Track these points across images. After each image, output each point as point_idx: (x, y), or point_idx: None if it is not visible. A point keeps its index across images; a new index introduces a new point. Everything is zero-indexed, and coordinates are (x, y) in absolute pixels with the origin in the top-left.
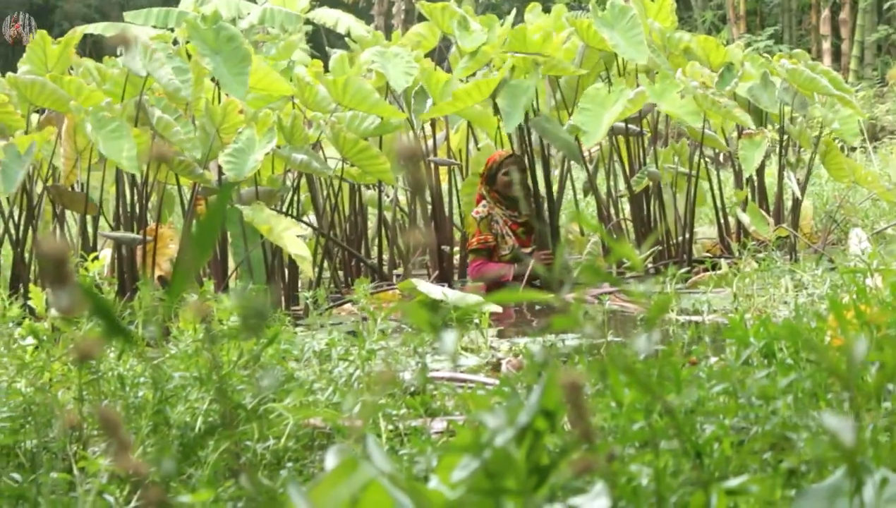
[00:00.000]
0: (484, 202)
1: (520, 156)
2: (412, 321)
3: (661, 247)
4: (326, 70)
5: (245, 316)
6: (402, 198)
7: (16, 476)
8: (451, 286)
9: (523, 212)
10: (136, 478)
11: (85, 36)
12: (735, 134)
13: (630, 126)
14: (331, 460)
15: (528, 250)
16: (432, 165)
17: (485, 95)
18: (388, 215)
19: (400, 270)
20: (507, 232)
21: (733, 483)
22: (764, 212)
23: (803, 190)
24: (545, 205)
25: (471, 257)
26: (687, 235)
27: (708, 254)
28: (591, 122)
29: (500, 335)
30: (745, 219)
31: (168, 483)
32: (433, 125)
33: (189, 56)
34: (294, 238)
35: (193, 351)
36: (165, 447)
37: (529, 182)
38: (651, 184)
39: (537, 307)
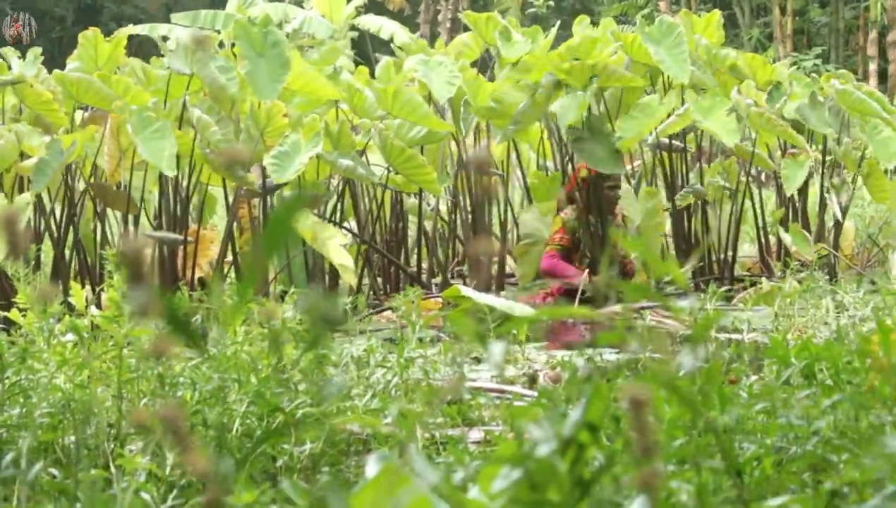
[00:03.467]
0: (573, 207)
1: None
2: (458, 330)
3: (702, 264)
4: (372, 76)
5: (314, 323)
6: (443, 207)
7: (54, 471)
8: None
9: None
10: (187, 475)
11: (130, 37)
12: (779, 153)
13: (674, 142)
14: (371, 467)
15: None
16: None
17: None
18: (428, 224)
19: (438, 279)
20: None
21: (774, 502)
22: (805, 232)
23: (846, 211)
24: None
25: (547, 249)
26: (730, 253)
27: (748, 273)
28: (631, 130)
29: (541, 347)
30: (787, 238)
31: (225, 484)
32: (476, 135)
33: (235, 57)
34: (337, 246)
35: (233, 352)
36: (202, 448)
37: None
38: (694, 200)
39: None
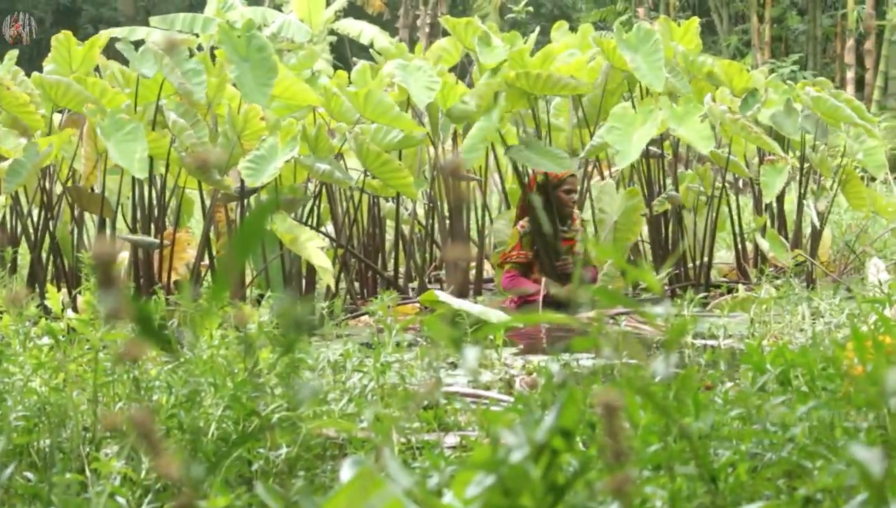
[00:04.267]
0: (529, 218)
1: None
2: (433, 334)
3: (678, 271)
4: (350, 81)
5: (287, 326)
6: (421, 212)
7: (29, 475)
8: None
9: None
10: (162, 479)
11: (110, 39)
12: (756, 160)
13: (651, 148)
14: (346, 472)
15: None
16: (451, 180)
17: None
18: (405, 228)
19: (415, 284)
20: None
21: None
22: (783, 239)
23: (823, 218)
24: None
25: (506, 267)
26: (706, 259)
27: (724, 279)
28: (622, 142)
29: (518, 353)
30: (764, 244)
31: (197, 489)
32: (454, 140)
33: (212, 61)
34: (316, 250)
35: (209, 356)
36: (177, 452)
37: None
38: (670, 206)
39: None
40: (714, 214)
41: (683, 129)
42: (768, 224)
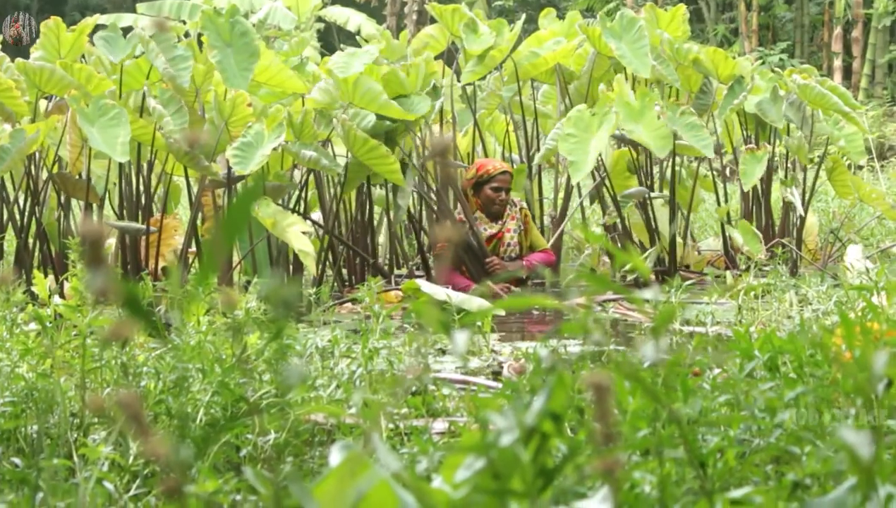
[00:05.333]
0: (454, 212)
1: (510, 173)
2: (423, 320)
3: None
4: None
5: (274, 307)
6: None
7: (16, 460)
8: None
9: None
10: (150, 465)
11: (95, 26)
12: (742, 147)
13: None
14: (335, 456)
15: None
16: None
17: None
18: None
19: (402, 271)
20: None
21: (737, 493)
22: (770, 228)
23: (806, 206)
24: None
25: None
26: (686, 246)
27: (713, 267)
28: (578, 151)
29: (503, 339)
30: (738, 238)
31: (185, 471)
32: (441, 126)
33: (200, 47)
34: (298, 234)
35: (197, 342)
36: (165, 437)
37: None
38: (637, 202)
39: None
40: (671, 203)
41: (644, 126)
42: (751, 213)
